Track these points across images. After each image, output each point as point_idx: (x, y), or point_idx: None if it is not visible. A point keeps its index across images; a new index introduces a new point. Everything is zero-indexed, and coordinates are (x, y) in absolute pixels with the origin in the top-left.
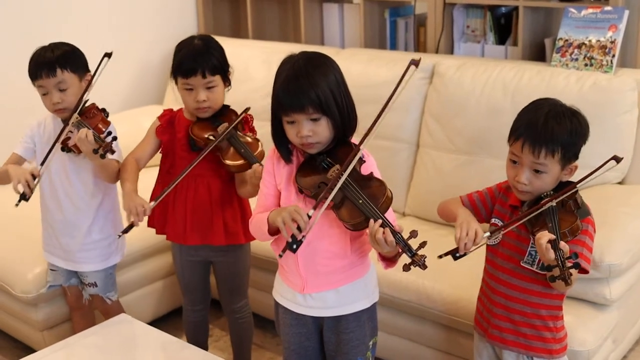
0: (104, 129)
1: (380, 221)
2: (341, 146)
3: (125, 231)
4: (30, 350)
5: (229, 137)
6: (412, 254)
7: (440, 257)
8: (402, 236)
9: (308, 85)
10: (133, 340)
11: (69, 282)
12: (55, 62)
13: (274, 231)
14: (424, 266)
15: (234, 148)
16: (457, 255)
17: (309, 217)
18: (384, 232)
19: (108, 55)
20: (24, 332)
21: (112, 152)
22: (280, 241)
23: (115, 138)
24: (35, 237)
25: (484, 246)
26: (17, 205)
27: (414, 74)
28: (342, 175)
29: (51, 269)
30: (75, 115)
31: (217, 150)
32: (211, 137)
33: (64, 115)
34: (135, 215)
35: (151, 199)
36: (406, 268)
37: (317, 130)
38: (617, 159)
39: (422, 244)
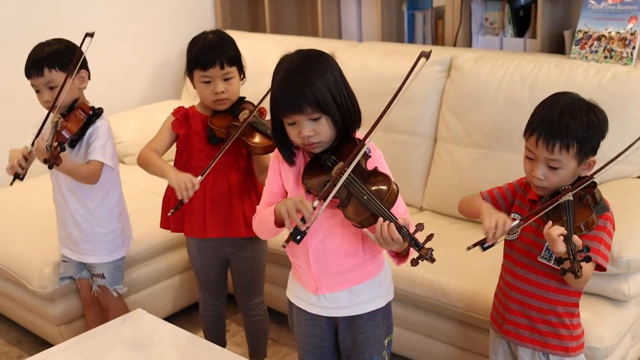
0: (68, 136)
1: (385, 219)
2: (345, 143)
3: (176, 208)
4: (48, 345)
5: (252, 122)
6: (419, 247)
7: (468, 248)
8: (407, 230)
9: (304, 85)
10: (149, 336)
11: (79, 275)
12: (44, 61)
13: (280, 223)
14: (431, 259)
15: (259, 132)
16: (486, 245)
17: (314, 208)
18: (388, 229)
19: (90, 35)
20: (41, 326)
21: (58, 163)
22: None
23: (63, 149)
24: (51, 232)
25: (502, 243)
26: (11, 184)
27: (429, 67)
28: (344, 171)
29: (63, 260)
30: (55, 114)
31: (242, 135)
32: (235, 124)
33: (59, 112)
34: (184, 190)
35: (165, 197)
36: (414, 262)
37: (319, 130)
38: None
39: (429, 237)
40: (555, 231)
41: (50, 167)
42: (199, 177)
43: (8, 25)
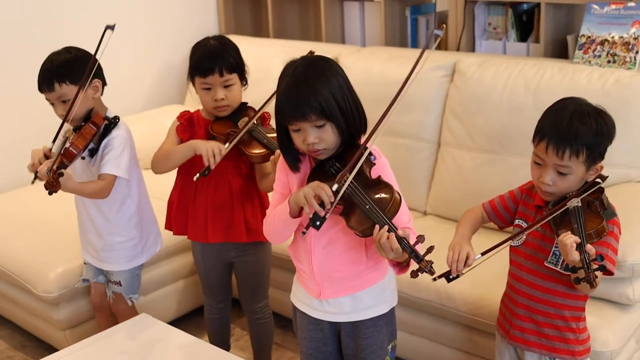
0: (75, 152)
1: (385, 227)
2: (350, 149)
3: (202, 174)
4: (53, 350)
5: (250, 130)
6: (419, 260)
7: (434, 279)
8: (408, 242)
9: (309, 93)
10: (154, 340)
11: (96, 279)
12: (54, 76)
13: (295, 213)
14: (431, 272)
15: (256, 140)
16: (451, 277)
17: (334, 192)
18: (388, 238)
19: (110, 27)
20: (46, 331)
21: (55, 190)
22: (296, 245)
23: (61, 174)
24: (57, 238)
25: (507, 249)
26: (32, 182)
27: (432, 72)
28: (346, 179)
29: (85, 263)
30: (69, 128)
31: (240, 143)
32: (235, 131)
33: (74, 124)
34: (212, 156)
35: (169, 201)
36: (414, 274)
37: (323, 137)
38: (603, 178)
39: (429, 249)
40: (569, 239)
41: (49, 194)
42: (226, 145)
43: (8, 29)
